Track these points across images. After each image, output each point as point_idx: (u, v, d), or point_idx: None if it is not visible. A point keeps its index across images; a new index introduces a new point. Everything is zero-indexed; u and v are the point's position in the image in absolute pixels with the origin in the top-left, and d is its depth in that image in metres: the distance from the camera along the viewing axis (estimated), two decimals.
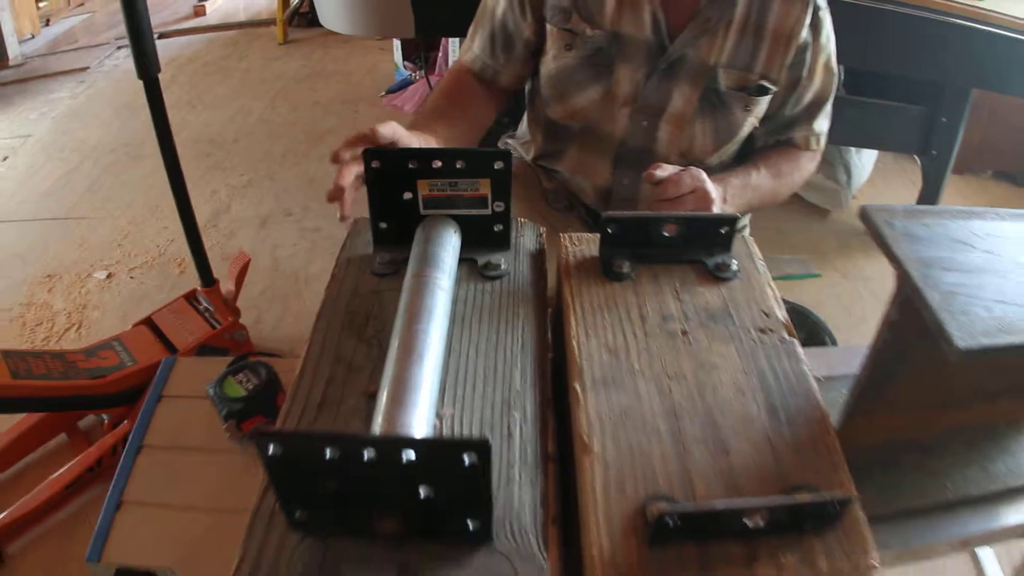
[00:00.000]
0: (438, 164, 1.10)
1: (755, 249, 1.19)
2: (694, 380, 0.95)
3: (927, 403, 1.13)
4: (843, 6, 2.37)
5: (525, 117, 1.79)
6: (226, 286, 2.40)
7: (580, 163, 1.69)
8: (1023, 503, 1.18)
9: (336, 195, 1.20)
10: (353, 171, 1.20)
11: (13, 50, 4.97)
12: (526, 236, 1.22)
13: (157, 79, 1.96)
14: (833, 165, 3.25)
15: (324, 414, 0.90)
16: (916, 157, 3.08)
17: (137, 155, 3.77)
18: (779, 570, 0.76)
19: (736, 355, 0.99)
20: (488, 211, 1.13)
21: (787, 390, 0.96)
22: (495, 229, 1.15)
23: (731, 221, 1.12)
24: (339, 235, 1.21)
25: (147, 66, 1.90)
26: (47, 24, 5.66)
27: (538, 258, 1.18)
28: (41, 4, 5.73)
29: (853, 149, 3.26)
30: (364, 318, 1.06)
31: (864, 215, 1.05)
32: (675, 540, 0.77)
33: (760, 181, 1.56)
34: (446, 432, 0.87)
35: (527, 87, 1.73)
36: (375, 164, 1.11)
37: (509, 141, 1.87)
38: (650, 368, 0.96)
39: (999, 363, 1.08)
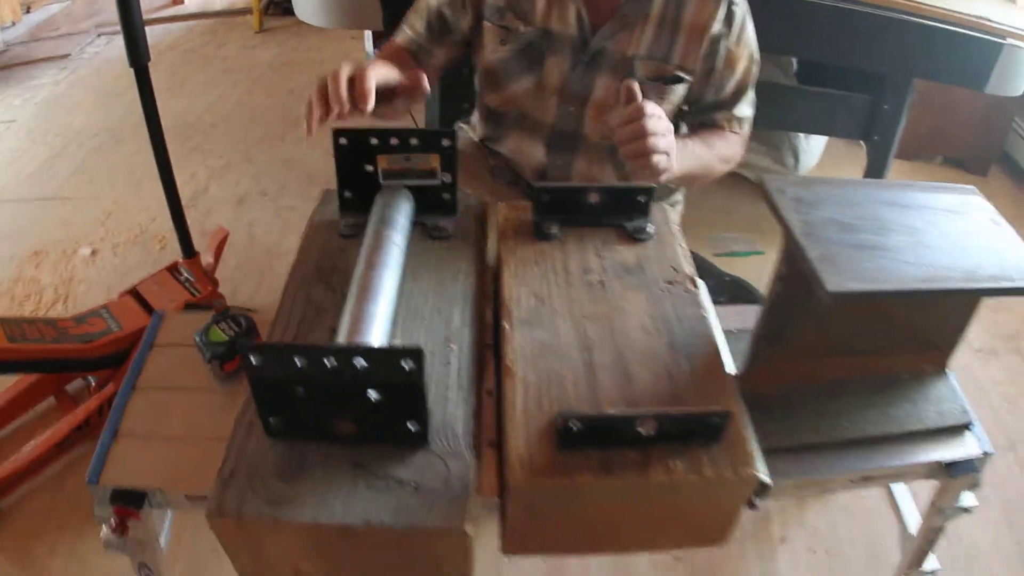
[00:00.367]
0: (395, 141, 1.28)
1: (672, 216, 1.39)
2: (607, 321, 1.14)
3: (825, 351, 1.29)
4: (791, 2, 2.52)
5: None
6: (205, 259, 2.54)
7: (518, 146, 1.85)
8: (922, 445, 1.32)
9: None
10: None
11: None
12: (471, 205, 1.40)
13: (147, 67, 2.10)
14: (781, 149, 3.38)
15: None
16: (862, 142, 3.18)
17: (119, 139, 3.88)
18: (669, 474, 0.94)
19: (645, 301, 1.18)
20: (437, 182, 1.32)
21: (687, 331, 1.15)
22: (444, 197, 1.35)
23: (648, 191, 1.31)
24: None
25: (138, 55, 2.05)
26: (28, 11, 5.68)
27: (480, 223, 1.37)
28: None
29: (802, 134, 3.38)
30: (330, 271, 1.24)
31: (762, 184, 1.23)
32: (581, 446, 0.95)
33: (696, 149, 1.64)
34: None
35: (475, 79, 1.90)
36: (342, 141, 1.29)
37: (463, 125, 2.03)
38: (569, 311, 1.15)
39: (889, 316, 1.26)
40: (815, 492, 1.32)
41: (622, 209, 1.32)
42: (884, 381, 1.36)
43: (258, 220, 3.24)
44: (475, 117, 1.95)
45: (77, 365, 2.21)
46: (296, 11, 2.82)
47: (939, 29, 2.51)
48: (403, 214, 1.27)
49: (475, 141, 1.94)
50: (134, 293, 2.42)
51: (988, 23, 2.48)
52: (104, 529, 1.24)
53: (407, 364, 0.87)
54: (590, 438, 0.94)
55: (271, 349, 0.89)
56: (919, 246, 1.17)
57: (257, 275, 2.93)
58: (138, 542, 1.26)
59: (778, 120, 2.98)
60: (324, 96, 1.31)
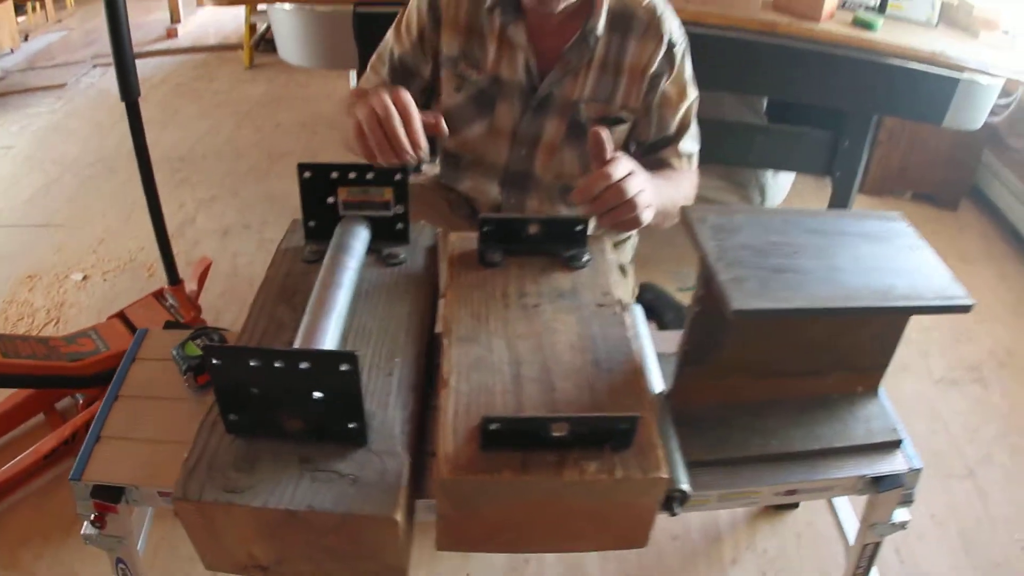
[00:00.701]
0: (353, 175, 1.42)
1: (607, 246, 1.52)
2: (537, 339, 1.27)
3: (751, 372, 1.38)
4: (751, 44, 2.64)
5: None
6: (190, 286, 2.67)
7: (474, 185, 1.97)
8: (850, 461, 1.40)
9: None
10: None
11: None
12: (424, 235, 1.55)
13: (137, 102, 2.23)
14: (747, 187, 3.45)
15: None
16: (828, 178, 3.23)
17: (112, 169, 4.00)
18: (581, 474, 1.06)
19: (575, 322, 1.31)
20: (391, 213, 1.46)
21: (611, 349, 1.27)
22: (397, 227, 1.48)
23: (583, 221, 1.45)
24: None
25: (129, 90, 2.18)
26: (26, 39, 5.80)
27: (432, 251, 1.51)
28: (20, 19, 5.93)
29: (769, 171, 3.46)
30: (293, 292, 1.38)
31: (682, 214, 1.36)
32: (503, 447, 1.07)
33: (663, 188, 1.64)
34: None
35: None
36: (307, 175, 1.43)
37: (424, 166, 2.17)
38: (504, 330, 1.28)
39: (810, 338, 1.34)
40: (741, 504, 1.41)
41: (560, 239, 1.45)
42: (814, 402, 1.44)
43: (242, 251, 3.38)
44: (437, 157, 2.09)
45: (66, 382, 2.31)
46: (279, 52, 2.97)
47: (895, 67, 2.60)
48: (359, 241, 1.40)
49: (436, 178, 2.07)
50: (121, 316, 2.54)
51: (944, 59, 2.56)
52: (85, 524, 1.37)
53: (344, 367, 1.01)
54: (511, 439, 1.06)
55: (229, 351, 1.03)
56: (831, 269, 1.27)
57: (239, 303, 3.04)
58: (115, 538, 1.39)
59: (743, 157, 3.08)
60: (383, 135, 1.36)
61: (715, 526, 2.24)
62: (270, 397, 1.06)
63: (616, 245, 2.07)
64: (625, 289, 1.49)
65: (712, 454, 1.35)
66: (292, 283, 1.41)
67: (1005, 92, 3.30)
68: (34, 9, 6.07)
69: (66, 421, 2.37)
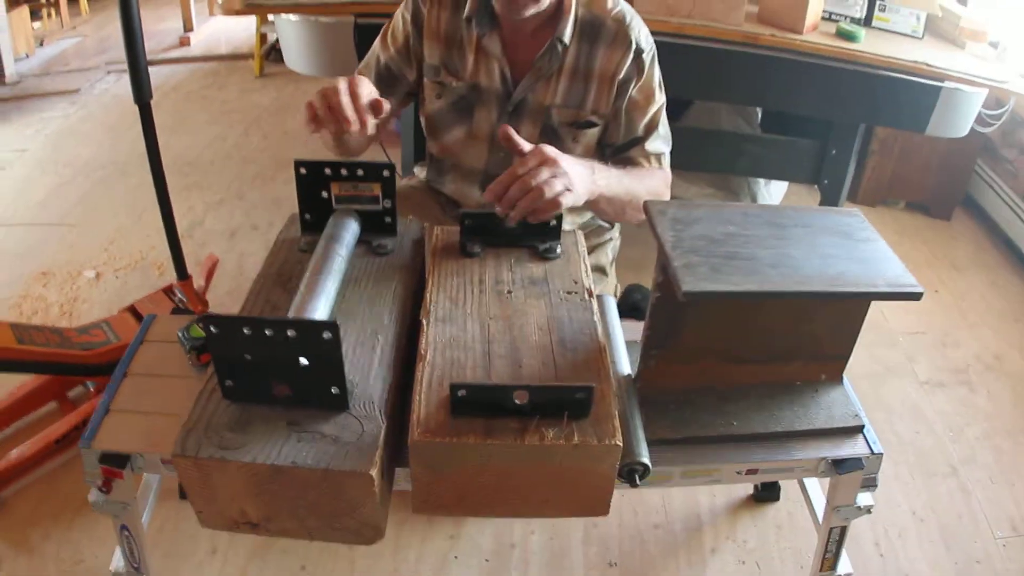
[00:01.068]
0: (345, 172, 1.53)
1: (580, 239, 1.62)
2: (508, 321, 1.37)
3: (714, 358, 1.47)
4: (738, 56, 2.72)
5: None
6: (198, 282, 2.78)
7: (457, 188, 2.07)
8: (811, 443, 1.47)
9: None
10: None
11: (9, 68, 5.25)
12: (411, 228, 1.66)
13: (149, 104, 2.34)
14: (739, 195, 3.54)
15: None
16: (817, 186, 3.34)
17: (124, 172, 4.10)
18: (541, 439, 1.15)
19: (544, 307, 1.41)
20: (379, 207, 1.57)
21: (576, 331, 1.37)
22: (386, 220, 1.60)
23: (558, 217, 1.55)
24: None
25: (142, 93, 2.28)
26: (41, 45, 5.91)
27: (418, 243, 1.62)
28: (36, 25, 6.04)
29: (761, 180, 3.55)
30: (288, 277, 1.49)
31: (645, 207, 1.46)
32: (470, 413, 1.18)
33: (619, 174, 1.76)
34: None
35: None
36: (303, 171, 1.54)
37: (416, 169, 2.29)
38: (478, 313, 1.39)
39: (768, 325, 1.43)
40: (704, 481, 1.47)
41: (536, 233, 1.56)
42: (779, 388, 1.52)
43: (248, 251, 3.49)
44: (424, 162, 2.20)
45: (78, 370, 2.41)
46: (286, 61, 3.09)
47: (876, 76, 2.67)
48: (349, 232, 1.52)
49: (426, 181, 2.19)
50: (132, 310, 2.65)
51: (926, 67, 2.63)
52: (92, 491, 1.47)
53: (327, 334, 1.12)
54: (478, 407, 1.16)
55: (225, 319, 1.14)
56: (784, 257, 1.35)
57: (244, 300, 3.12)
58: (120, 503, 1.50)
59: (732, 165, 3.18)
60: (331, 111, 1.48)
61: (696, 516, 2.33)
62: (261, 364, 1.17)
63: (595, 247, 2.17)
64: (605, 287, 1.59)
65: (675, 433, 1.44)
66: (288, 270, 1.52)
67: (998, 103, 3.38)
68: (49, 16, 6.19)
69: (77, 409, 2.47)
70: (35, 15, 6.00)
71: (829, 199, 3.14)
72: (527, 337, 1.34)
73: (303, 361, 1.16)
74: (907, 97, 2.69)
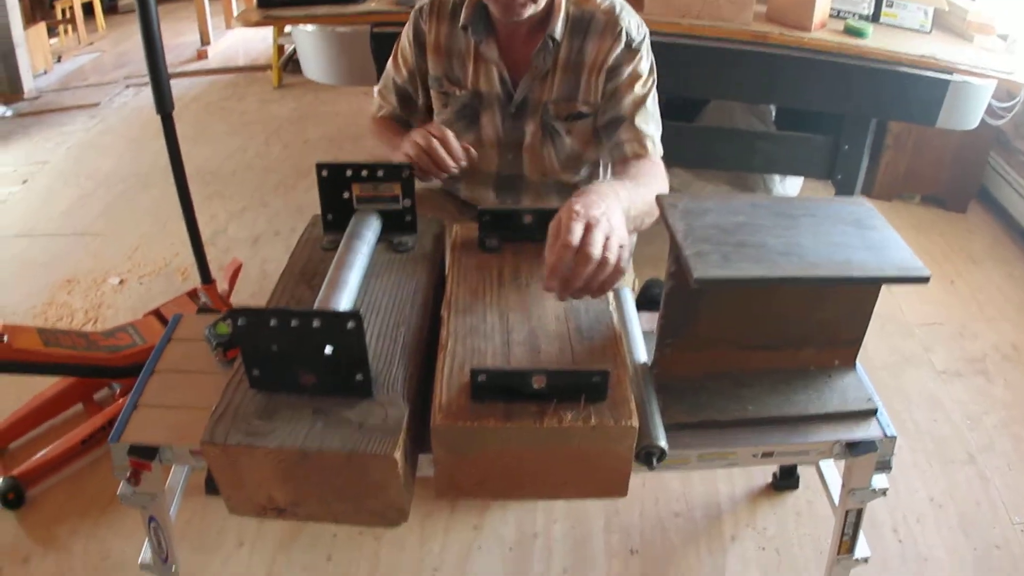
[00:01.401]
0: (365, 173, 1.58)
1: None
2: (526, 312, 1.41)
3: (728, 344, 1.50)
4: (751, 54, 2.76)
5: None
6: (222, 286, 2.84)
7: (472, 193, 2.13)
8: (825, 427, 1.50)
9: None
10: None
11: (28, 84, 5.35)
12: (431, 226, 1.71)
13: (171, 114, 2.40)
14: (755, 192, 3.57)
15: None
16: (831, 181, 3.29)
17: (145, 184, 4.16)
18: (560, 422, 1.19)
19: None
20: (399, 206, 1.62)
21: (592, 320, 1.41)
22: (406, 219, 1.65)
23: None
24: None
25: (164, 103, 2.34)
26: (59, 61, 6.01)
27: (437, 240, 1.67)
28: (53, 41, 6.11)
29: (777, 177, 3.57)
30: (312, 275, 1.54)
31: (657, 200, 1.49)
32: (490, 398, 1.21)
33: (631, 192, 1.60)
34: None
35: None
36: (324, 173, 1.59)
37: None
38: (497, 304, 1.43)
39: (781, 311, 1.45)
40: (720, 465, 1.48)
41: None
42: (792, 373, 1.54)
43: (271, 257, 3.54)
44: None
45: (104, 372, 2.46)
46: (304, 70, 3.14)
47: (885, 71, 2.70)
48: (371, 230, 1.57)
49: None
50: (156, 313, 2.70)
51: (934, 61, 2.66)
52: (121, 484, 1.52)
53: (350, 324, 1.16)
54: (497, 392, 1.20)
55: (253, 312, 1.18)
56: (793, 245, 1.38)
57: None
58: (149, 495, 1.54)
59: (747, 161, 3.21)
60: (429, 159, 1.69)
61: (716, 504, 2.35)
62: (287, 354, 1.21)
63: None
64: (622, 281, 1.62)
65: (691, 417, 1.47)
66: (312, 267, 1.57)
67: (1009, 95, 3.40)
68: (66, 32, 6.28)
69: (103, 410, 2.52)
70: (52, 31, 6.09)
71: (843, 193, 3.14)
72: (545, 326, 1.38)
73: (328, 350, 1.20)
74: (916, 91, 2.71)
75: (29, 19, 5.42)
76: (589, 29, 1.86)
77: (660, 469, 1.38)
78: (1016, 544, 2.24)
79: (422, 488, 1.36)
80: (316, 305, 1.32)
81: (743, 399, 1.50)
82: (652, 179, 1.78)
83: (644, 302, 2.46)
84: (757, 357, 1.52)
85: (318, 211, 1.65)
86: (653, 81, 1.91)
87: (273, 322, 1.18)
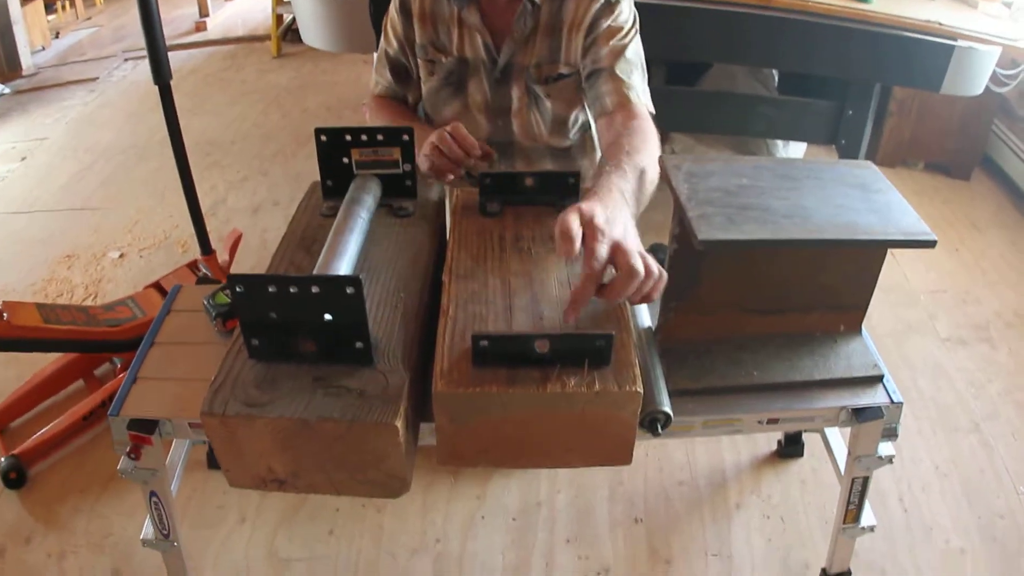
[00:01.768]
0: (364, 137, 1.55)
1: None
2: (528, 277, 1.38)
3: (732, 309, 1.48)
4: (756, 17, 2.73)
5: None
6: (222, 256, 2.82)
7: None
8: (831, 393, 1.48)
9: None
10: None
11: (26, 61, 5.33)
12: (432, 191, 1.68)
13: (169, 84, 2.37)
14: (757, 156, 3.51)
15: None
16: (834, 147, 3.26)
17: (144, 156, 4.15)
18: (563, 388, 1.17)
19: (564, 263, 1.42)
20: (400, 170, 1.59)
21: None
22: (406, 184, 1.62)
23: (576, 175, 1.56)
24: None
25: (162, 73, 2.31)
26: (57, 36, 5.99)
27: (438, 205, 1.64)
28: (50, 17, 6.09)
29: (780, 142, 3.52)
30: (312, 241, 1.52)
31: (660, 162, 1.47)
32: (492, 364, 1.19)
33: (630, 184, 1.45)
34: None
35: None
36: (323, 138, 1.57)
37: None
38: (499, 269, 1.40)
39: (785, 275, 1.43)
40: (725, 431, 1.47)
41: (554, 190, 1.58)
42: (797, 339, 1.53)
43: (271, 227, 3.52)
44: None
45: (104, 347, 2.44)
46: (303, 37, 3.12)
47: (890, 35, 2.68)
48: (371, 195, 1.54)
49: None
50: (156, 286, 2.69)
51: (939, 26, 2.63)
52: (122, 459, 1.50)
53: (350, 289, 1.14)
54: (499, 357, 1.18)
55: (251, 278, 1.16)
56: (797, 207, 1.36)
57: None
58: (149, 470, 1.53)
59: (749, 126, 3.18)
60: (447, 159, 1.69)
61: (721, 472, 2.35)
62: (287, 322, 1.19)
63: None
64: None
65: (696, 383, 1.46)
66: (311, 234, 1.55)
67: (1013, 63, 3.36)
68: (64, 8, 6.25)
69: (104, 386, 2.51)
70: (50, 8, 6.06)
71: (847, 158, 3.09)
72: (547, 291, 1.35)
73: (327, 317, 1.18)
74: (921, 56, 2.69)
75: None
76: None
77: (664, 436, 1.37)
78: (1020, 513, 2.24)
79: (424, 458, 1.35)
80: (315, 271, 1.30)
81: (748, 364, 1.49)
82: (644, 145, 1.63)
83: None
84: (762, 322, 1.51)
85: (318, 179, 1.62)
86: (635, 33, 1.85)
87: (271, 289, 1.15)
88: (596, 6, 1.82)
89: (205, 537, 2.13)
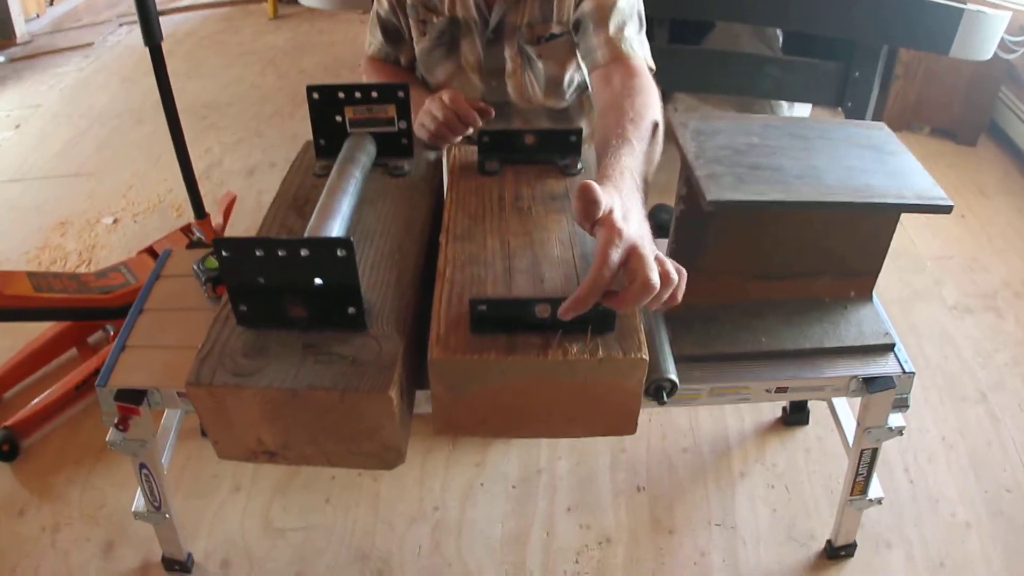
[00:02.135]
0: (358, 94, 1.49)
1: None
2: (528, 237, 1.33)
3: (741, 273, 1.44)
4: None
5: None
6: (216, 219, 2.77)
7: None
8: (840, 361, 1.45)
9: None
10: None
11: (20, 29, 5.25)
12: (430, 151, 1.62)
13: (160, 46, 2.31)
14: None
15: None
16: (840, 109, 3.20)
17: (139, 119, 4.10)
18: (565, 355, 1.12)
19: (565, 222, 1.37)
20: (395, 128, 1.53)
21: None
22: (402, 142, 1.56)
23: (578, 132, 1.51)
24: None
25: (152, 34, 2.25)
26: (51, 4, 5.91)
27: (435, 164, 1.59)
28: None
29: (785, 103, 3.46)
30: (304, 202, 1.46)
31: (666, 120, 1.41)
32: (490, 330, 1.14)
33: (635, 161, 1.29)
34: None
35: None
36: (315, 96, 1.51)
37: None
38: (497, 229, 1.35)
39: (796, 238, 1.39)
40: (732, 400, 1.43)
41: (555, 148, 1.52)
42: (807, 305, 1.49)
43: (267, 188, 3.46)
44: None
45: (97, 314, 2.40)
46: None
47: None
48: (365, 154, 1.49)
49: None
50: (150, 251, 2.65)
51: None
52: (110, 431, 1.46)
53: (341, 251, 1.09)
54: (498, 323, 1.12)
55: (236, 242, 1.11)
56: (809, 168, 1.31)
57: None
58: (138, 441, 1.49)
59: (754, 87, 3.13)
60: (447, 129, 1.67)
61: (724, 440, 2.30)
62: (275, 287, 1.14)
63: None
64: None
65: (702, 349, 1.42)
66: (303, 194, 1.50)
67: (1021, 29, 3.32)
68: None
69: (97, 354, 2.47)
70: None
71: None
72: (548, 252, 1.29)
73: (318, 281, 1.13)
74: (930, 18, 2.65)
75: None
76: None
77: (670, 404, 1.33)
78: None
79: (422, 425, 1.30)
80: (306, 233, 1.24)
81: (756, 330, 1.45)
82: (647, 109, 1.44)
83: (652, 228, 2.40)
84: (770, 287, 1.47)
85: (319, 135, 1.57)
86: None
87: (259, 252, 1.10)
88: None
89: (199, 507, 2.09)
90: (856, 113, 3.05)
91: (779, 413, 2.36)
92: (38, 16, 5.64)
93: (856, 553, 1.92)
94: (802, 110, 3.59)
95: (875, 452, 1.61)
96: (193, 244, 2.59)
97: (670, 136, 1.40)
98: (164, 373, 1.41)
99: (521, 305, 1.12)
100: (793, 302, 1.49)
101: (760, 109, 3.47)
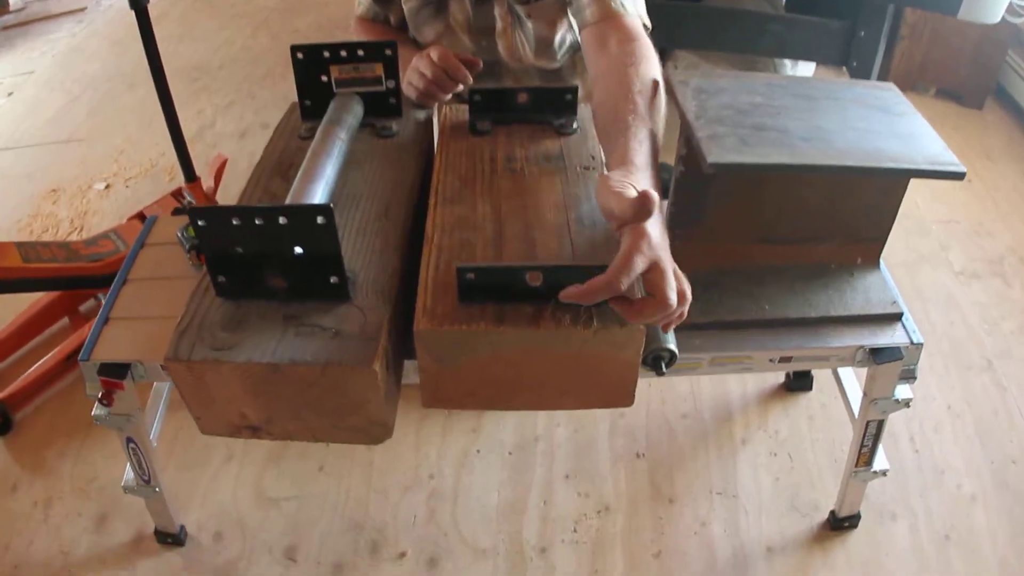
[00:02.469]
0: (344, 53, 1.44)
1: None
2: (521, 200, 1.28)
3: (744, 237, 1.39)
4: None
5: None
6: (207, 183, 2.71)
7: None
8: (847, 330, 1.40)
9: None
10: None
11: None
12: (419, 110, 1.57)
13: (146, 8, 2.25)
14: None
15: None
16: (845, 68, 3.19)
17: (132, 84, 4.02)
18: (558, 325, 1.06)
19: (559, 184, 1.32)
20: (383, 87, 1.48)
21: (594, 208, 1.26)
22: (390, 101, 1.51)
23: (573, 91, 1.46)
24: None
25: None
26: None
27: (424, 125, 1.53)
28: None
29: (788, 62, 3.38)
30: (288, 166, 1.42)
31: (665, 77, 1.34)
32: (480, 299, 1.09)
33: (652, 137, 1.24)
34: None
35: None
36: (299, 55, 1.46)
37: None
38: (489, 192, 1.30)
39: (801, 202, 1.34)
40: (734, 369, 1.38)
41: (550, 107, 1.47)
42: (812, 271, 1.44)
43: (259, 151, 3.28)
44: None
45: (87, 282, 2.35)
46: None
47: None
48: (351, 114, 1.43)
49: None
50: (140, 217, 2.58)
51: None
52: (95, 405, 1.42)
53: (320, 219, 1.03)
54: (488, 292, 1.07)
55: (212, 211, 1.06)
56: (815, 129, 1.25)
57: None
58: (124, 415, 1.45)
59: (756, 45, 3.07)
60: (437, 87, 1.61)
61: (726, 406, 2.26)
62: (254, 256, 1.09)
63: None
64: None
65: (703, 317, 1.36)
66: (287, 158, 1.45)
67: None
68: None
69: (88, 322, 2.42)
70: None
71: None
72: (542, 216, 1.24)
73: (298, 250, 1.08)
74: None
75: None
76: None
77: (669, 374, 1.27)
78: None
79: (414, 392, 1.25)
80: (289, 199, 1.19)
81: (759, 298, 1.40)
82: (649, 75, 1.34)
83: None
84: (773, 252, 1.42)
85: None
86: None
87: (235, 221, 1.05)
88: None
89: (191, 478, 2.06)
90: (861, 73, 2.98)
91: (782, 379, 2.32)
92: None
93: (860, 524, 1.89)
94: (806, 69, 3.53)
95: (881, 424, 1.56)
96: (178, 211, 2.53)
97: (670, 94, 1.34)
98: (148, 345, 1.36)
99: (511, 272, 1.07)
100: (797, 268, 1.44)
101: (763, 67, 3.41)
